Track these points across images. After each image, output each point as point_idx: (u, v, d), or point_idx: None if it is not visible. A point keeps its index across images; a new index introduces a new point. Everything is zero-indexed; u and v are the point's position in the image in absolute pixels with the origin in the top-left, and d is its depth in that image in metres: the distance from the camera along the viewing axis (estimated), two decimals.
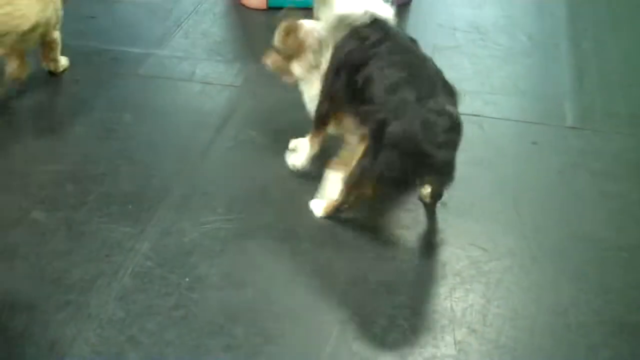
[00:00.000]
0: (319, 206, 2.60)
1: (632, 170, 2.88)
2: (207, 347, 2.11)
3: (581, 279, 2.39)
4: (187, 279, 2.33)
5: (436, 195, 2.60)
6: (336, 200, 2.53)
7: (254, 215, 2.60)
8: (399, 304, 2.27)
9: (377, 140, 2.28)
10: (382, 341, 2.16)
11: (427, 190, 2.60)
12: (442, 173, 2.35)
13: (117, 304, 2.24)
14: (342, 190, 2.48)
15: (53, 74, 3.34)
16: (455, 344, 2.16)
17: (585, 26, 3.93)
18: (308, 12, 2.69)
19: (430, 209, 2.64)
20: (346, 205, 2.53)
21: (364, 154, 2.34)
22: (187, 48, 3.63)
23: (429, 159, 2.24)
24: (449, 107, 2.28)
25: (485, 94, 3.29)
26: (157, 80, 3.41)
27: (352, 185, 2.42)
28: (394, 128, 2.23)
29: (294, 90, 3.30)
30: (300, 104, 3.17)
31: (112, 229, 2.52)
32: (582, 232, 2.58)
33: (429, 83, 2.32)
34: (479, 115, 3.13)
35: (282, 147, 2.89)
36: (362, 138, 2.37)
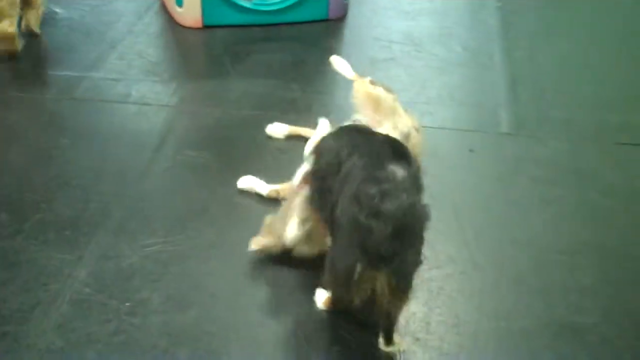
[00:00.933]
0: (321, 297, 2.30)
1: (568, 175, 2.95)
2: None
3: (522, 283, 2.43)
4: (128, 304, 2.28)
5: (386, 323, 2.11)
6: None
7: (195, 236, 2.57)
8: (342, 317, 2.27)
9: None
10: (327, 354, 2.16)
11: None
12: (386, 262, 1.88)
13: (55, 333, 2.18)
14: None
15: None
16: (399, 353, 2.16)
17: (518, 35, 4.03)
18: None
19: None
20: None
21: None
22: (122, 69, 3.58)
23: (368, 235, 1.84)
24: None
25: (422, 104, 3.33)
26: (93, 103, 3.36)
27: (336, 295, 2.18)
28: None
29: (231, 109, 3.32)
30: (237, 122, 3.18)
31: (49, 256, 2.46)
32: (522, 237, 2.62)
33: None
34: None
35: (221, 166, 2.88)
36: None
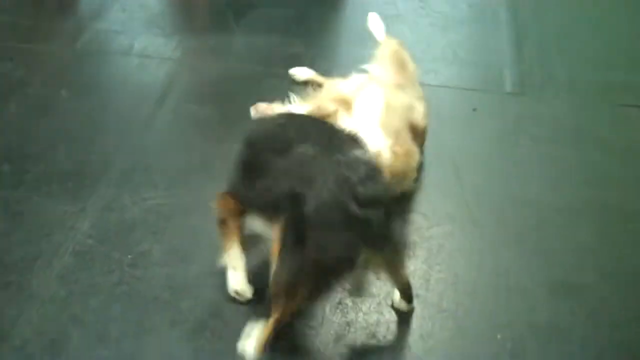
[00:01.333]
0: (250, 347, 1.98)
1: (570, 135, 2.94)
2: (152, 323, 2.10)
3: (521, 241, 2.45)
4: (130, 256, 2.30)
5: (402, 289, 2.15)
6: (268, 330, 1.96)
7: (196, 190, 2.57)
8: None
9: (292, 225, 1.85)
10: (325, 309, 2.18)
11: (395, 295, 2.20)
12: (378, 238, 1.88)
13: (58, 283, 2.21)
14: (275, 313, 1.94)
15: None
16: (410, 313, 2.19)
17: None
18: None
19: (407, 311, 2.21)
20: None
21: (281, 254, 1.86)
22: (124, 21, 3.55)
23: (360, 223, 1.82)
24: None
25: (426, 62, 3.30)
26: (94, 55, 3.34)
27: (284, 298, 1.90)
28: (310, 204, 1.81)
29: (234, 63, 3.29)
30: (240, 77, 3.16)
31: (51, 207, 2.47)
32: (522, 196, 2.63)
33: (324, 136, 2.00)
34: (420, 84, 3.14)
35: (223, 120, 2.88)
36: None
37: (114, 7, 3.64)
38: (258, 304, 2.10)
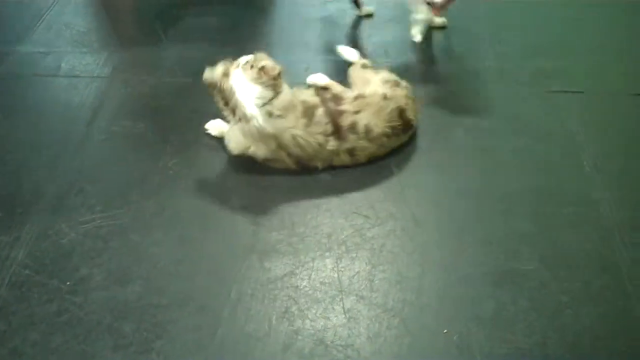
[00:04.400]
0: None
1: (503, 123, 2.97)
2: (94, 350, 2.07)
3: (463, 234, 2.47)
4: (69, 283, 2.26)
5: None
6: None
7: (135, 208, 2.54)
8: (287, 280, 2.28)
9: None
10: (272, 319, 2.17)
11: None
12: None
13: None
14: None
15: None
16: (344, 312, 2.19)
17: None
18: None
19: None
20: None
21: None
22: (50, 41, 3.48)
23: None
24: None
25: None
26: (22, 78, 3.26)
27: None
28: None
29: (166, 76, 3.26)
30: (172, 89, 3.13)
31: None
32: (461, 188, 2.65)
33: None
34: None
35: (158, 135, 2.85)
36: None
37: (38, 28, 3.57)
38: None
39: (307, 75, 3.05)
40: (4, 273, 2.29)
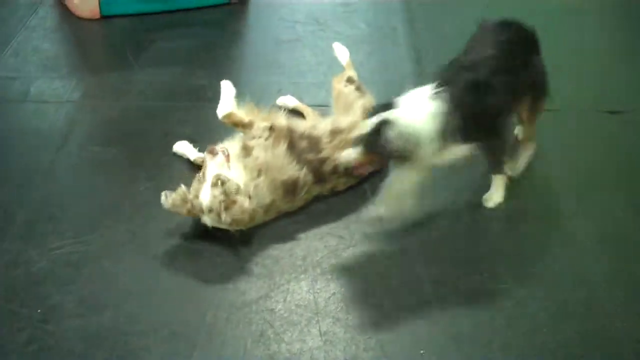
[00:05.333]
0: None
1: None
2: None
3: (439, 252, 2.47)
4: (40, 311, 2.21)
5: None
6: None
7: (106, 235, 2.51)
8: (262, 303, 2.26)
9: None
10: (247, 343, 2.14)
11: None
12: None
13: None
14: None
15: None
16: (320, 335, 2.17)
17: (419, 7, 4.05)
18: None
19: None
20: None
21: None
22: (18, 67, 3.44)
23: None
24: None
25: (329, 83, 3.29)
26: None
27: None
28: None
29: (136, 100, 3.24)
30: (144, 113, 3.11)
31: None
32: (437, 204, 2.66)
33: None
34: (325, 105, 3.15)
35: (129, 160, 2.82)
36: None
37: (6, 53, 3.53)
38: None
39: (278, 97, 3.06)
40: None
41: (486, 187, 2.66)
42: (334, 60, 3.10)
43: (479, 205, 2.65)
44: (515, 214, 2.63)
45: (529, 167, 2.79)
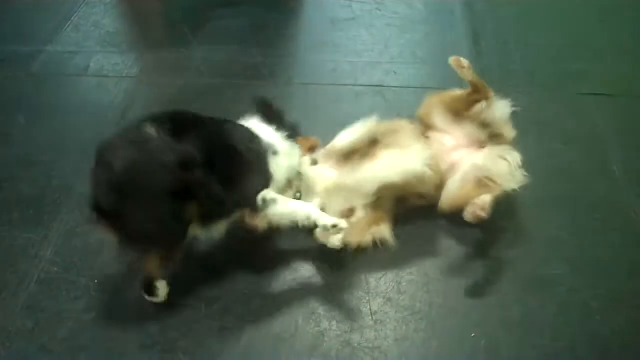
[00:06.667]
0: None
1: (532, 126, 2.95)
2: (122, 348, 2.08)
3: (489, 235, 2.45)
4: (97, 281, 2.27)
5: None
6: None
7: None
8: (313, 281, 2.28)
9: None
10: (299, 319, 2.17)
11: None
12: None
13: (25, 314, 2.17)
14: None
15: None
16: (371, 314, 2.18)
17: None
18: None
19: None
20: None
21: None
22: (79, 42, 3.51)
23: None
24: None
25: (385, 63, 3.31)
26: (51, 78, 3.29)
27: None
28: None
29: (193, 77, 3.27)
30: (200, 90, 3.13)
31: (14, 236, 2.43)
32: None
33: None
34: (380, 86, 3.15)
35: None
36: None
37: (67, 28, 3.60)
38: None
39: (334, 77, 3.04)
40: (33, 270, 2.30)
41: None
42: (390, 39, 3.07)
43: (532, 190, 2.62)
44: (572, 200, 2.59)
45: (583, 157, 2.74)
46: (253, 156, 2.18)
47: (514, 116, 2.97)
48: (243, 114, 2.68)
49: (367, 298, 2.23)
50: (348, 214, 2.36)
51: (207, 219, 2.12)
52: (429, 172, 2.38)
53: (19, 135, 2.91)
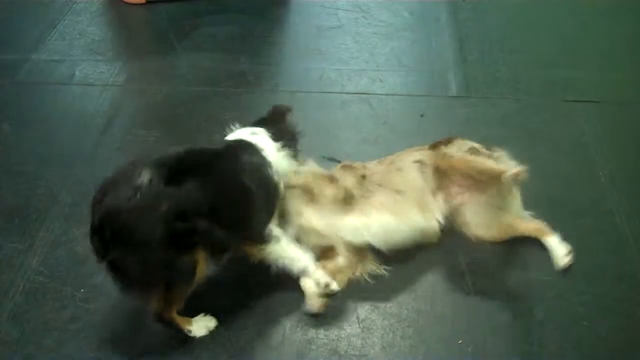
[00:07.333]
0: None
1: (517, 133, 2.96)
2: (108, 358, 2.06)
3: (477, 243, 2.43)
4: (83, 290, 2.26)
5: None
6: None
7: None
8: (299, 290, 2.27)
9: None
10: (285, 327, 2.16)
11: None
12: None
13: (10, 324, 2.15)
14: None
15: None
16: (358, 322, 2.18)
17: None
18: None
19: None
20: None
21: None
22: (64, 50, 3.50)
23: None
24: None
25: (371, 71, 3.32)
26: (36, 86, 3.27)
27: None
28: None
29: (180, 85, 3.26)
30: (186, 98, 3.13)
31: None
32: None
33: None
34: (367, 93, 3.16)
35: (172, 143, 2.84)
36: None
37: (52, 37, 3.59)
38: None
39: (320, 84, 3.04)
40: (18, 280, 2.28)
41: None
42: (376, 47, 3.08)
43: (522, 193, 2.63)
44: (556, 205, 2.60)
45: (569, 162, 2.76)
46: (261, 191, 2.13)
47: (500, 123, 3.01)
48: (229, 121, 2.69)
49: (354, 306, 2.23)
50: (328, 254, 2.31)
51: (212, 256, 2.10)
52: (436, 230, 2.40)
53: (4, 143, 2.90)
